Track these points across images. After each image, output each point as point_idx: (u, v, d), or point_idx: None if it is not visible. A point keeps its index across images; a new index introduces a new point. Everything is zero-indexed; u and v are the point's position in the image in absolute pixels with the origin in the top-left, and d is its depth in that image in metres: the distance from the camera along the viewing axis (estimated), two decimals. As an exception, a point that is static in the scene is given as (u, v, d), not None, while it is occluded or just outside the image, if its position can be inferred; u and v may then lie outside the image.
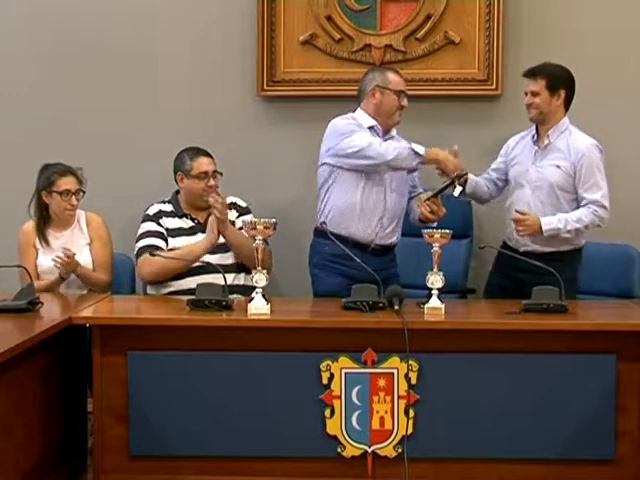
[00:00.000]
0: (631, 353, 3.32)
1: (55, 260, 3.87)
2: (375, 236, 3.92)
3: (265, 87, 4.62)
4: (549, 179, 3.88)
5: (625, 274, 4.26)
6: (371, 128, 3.92)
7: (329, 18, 4.59)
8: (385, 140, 3.92)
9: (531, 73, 3.92)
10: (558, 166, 3.87)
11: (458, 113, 4.60)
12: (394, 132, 4.01)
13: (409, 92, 3.93)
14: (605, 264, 4.29)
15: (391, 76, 3.93)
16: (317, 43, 4.61)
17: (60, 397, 3.45)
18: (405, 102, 3.92)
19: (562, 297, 3.44)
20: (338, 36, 4.60)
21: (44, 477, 3.29)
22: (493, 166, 4.16)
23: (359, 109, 3.96)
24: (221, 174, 4.10)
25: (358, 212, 3.89)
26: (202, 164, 4.07)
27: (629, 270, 4.26)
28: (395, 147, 3.81)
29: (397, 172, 3.89)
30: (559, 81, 3.89)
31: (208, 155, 4.11)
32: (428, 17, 4.55)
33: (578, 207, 3.87)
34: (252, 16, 4.58)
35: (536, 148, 3.95)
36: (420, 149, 3.80)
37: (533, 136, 3.98)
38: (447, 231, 3.47)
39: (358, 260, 3.64)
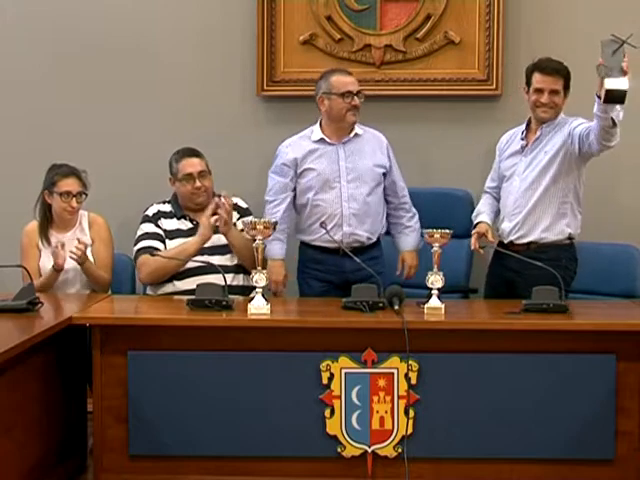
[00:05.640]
0: (631, 353, 3.32)
1: (72, 250, 3.89)
2: (340, 242, 3.95)
3: (265, 87, 4.62)
4: (538, 167, 3.84)
5: (627, 274, 4.25)
6: (321, 140, 4.00)
7: (329, 18, 4.59)
8: (345, 143, 3.98)
9: (554, 70, 3.81)
10: (546, 152, 3.84)
11: (458, 113, 4.60)
12: (358, 130, 4.02)
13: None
14: (607, 264, 4.28)
15: (335, 79, 3.95)
16: (317, 43, 4.61)
17: (60, 397, 3.45)
18: (356, 101, 3.92)
19: (562, 297, 3.44)
20: (338, 36, 4.59)
21: (44, 477, 3.29)
22: (492, 184, 4.10)
23: (319, 120, 4.05)
24: (210, 173, 4.08)
25: (315, 221, 3.97)
26: (186, 166, 4.03)
27: (631, 270, 4.25)
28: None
29: (351, 178, 3.96)
30: (569, 80, 3.84)
31: (194, 155, 4.07)
32: (428, 17, 4.55)
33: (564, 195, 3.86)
34: (252, 16, 4.58)
35: (523, 142, 3.92)
36: (268, 255, 3.91)
37: (522, 132, 3.94)
38: (447, 231, 3.48)
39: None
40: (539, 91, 3.83)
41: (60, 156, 4.19)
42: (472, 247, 3.91)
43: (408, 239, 4.08)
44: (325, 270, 3.98)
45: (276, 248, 3.99)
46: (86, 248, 3.95)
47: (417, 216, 4.13)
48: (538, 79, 3.83)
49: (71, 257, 3.91)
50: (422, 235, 3.55)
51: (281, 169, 4.03)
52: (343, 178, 3.97)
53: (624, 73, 3.46)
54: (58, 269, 3.95)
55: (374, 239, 4.05)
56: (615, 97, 3.48)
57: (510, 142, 4.02)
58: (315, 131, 4.04)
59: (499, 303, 3.74)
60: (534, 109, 3.87)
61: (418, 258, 4.06)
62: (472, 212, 4.51)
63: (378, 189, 4.04)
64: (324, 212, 3.97)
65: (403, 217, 4.11)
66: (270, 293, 3.96)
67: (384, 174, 4.05)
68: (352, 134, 4.01)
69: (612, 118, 3.53)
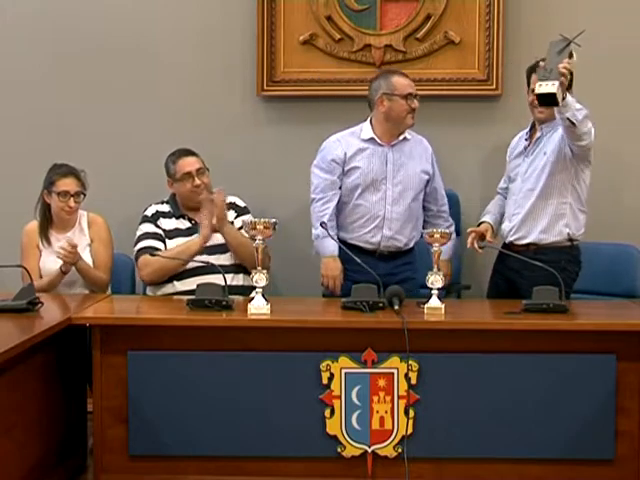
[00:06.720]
0: (631, 353, 3.32)
1: (58, 251, 3.89)
2: (378, 244, 3.94)
3: (265, 87, 4.62)
4: (538, 168, 3.83)
5: (627, 274, 4.26)
6: (371, 140, 3.94)
7: (329, 18, 4.59)
8: (393, 145, 3.94)
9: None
10: (545, 152, 3.82)
11: (458, 113, 4.61)
12: (407, 134, 4.00)
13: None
14: (607, 264, 4.29)
15: (396, 80, 3.91)
16: (317, 43, 4.61)
17: (60, 397, 3.45)
18: (415, 104, 3.90)
19: (562, 297, 3.44)
20: (338, 36, 4.60)
21: (44, 477, 3.29)
22: (503, 185, 4.12)
23: (369, 119, 3.99)
24: (208, 170, 4.08)
25: (355, 220, 3.95)
26: (184, 165, 4.05)
27: (631, 270, 4.26)
28: (315, 225, 3.95)
29: (397, 181, 3.93)
30: (571, 80, 3.75)
31: (190, 154, 4.09)
32: (428, 17, 4.55)
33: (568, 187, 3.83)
34: (252, 16, 4.58)
35: (526, 143, 3.93)
36: (322, 252, 3.92)
37: (526, 133, 3.96)
38: (447, 231, 3.50)
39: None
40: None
41: (60, 156, 4.19)
42: (468, 245, 3.91)
43: (444, 248, 4.03)
44: (355, 270, 3.78)
45: (329, 245, 3.91)
46: (76, 247, 3.94)
47: (454, 226, 4.09)
48: (534, 80, 3.82)
49: (59, 257, 3.91)
50: (422, 236, 3.54)
51: (329, 165, 3.95)
52: (389, 181, 3.93)
53: (562, 75, 3.44)
54: (66, 271, 3.95)
55: (411, 245, 4.02)
56: (545, 101, 3.47)
57: (517, 143, 4.03)
58: (365, 129, 3.98)
59: (499, 303, 3.75)
60: (531, 110, 3.87)
61: (452, 267, 4.04)
62: (459, 210, 4.55)
63: (420, 195, 4.02)
64: (366, 213, 3.93)
65: (442, 225, 3.99)
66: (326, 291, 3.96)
67: (427, 181, 4.03)
68: (401, 137, 3.97)
69: (568, 118, 3.52)
